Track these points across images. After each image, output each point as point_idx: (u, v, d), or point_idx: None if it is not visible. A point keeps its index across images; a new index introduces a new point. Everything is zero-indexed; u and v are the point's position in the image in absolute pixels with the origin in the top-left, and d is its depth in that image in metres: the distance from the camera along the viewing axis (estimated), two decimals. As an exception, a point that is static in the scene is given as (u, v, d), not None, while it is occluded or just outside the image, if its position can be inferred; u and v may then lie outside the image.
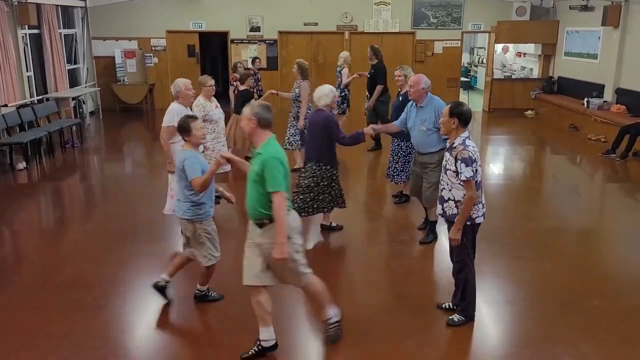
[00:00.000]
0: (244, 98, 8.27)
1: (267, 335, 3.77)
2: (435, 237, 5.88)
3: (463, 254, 4.14)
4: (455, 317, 4.27)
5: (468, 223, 4.03)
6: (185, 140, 4.32)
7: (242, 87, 8.43)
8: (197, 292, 4.61)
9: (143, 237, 5.93)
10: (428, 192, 5.54)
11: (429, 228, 5.93)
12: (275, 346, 3.80)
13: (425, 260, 5.65)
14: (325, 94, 5.61)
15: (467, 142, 3.99)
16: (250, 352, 3.77)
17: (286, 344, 3.97)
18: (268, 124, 3.63)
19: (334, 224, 6.15)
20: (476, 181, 3.95)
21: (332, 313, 3.93)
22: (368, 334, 4.15)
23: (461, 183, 3.95)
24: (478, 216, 4.07)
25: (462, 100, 15.55)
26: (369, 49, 9.79)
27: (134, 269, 5.29)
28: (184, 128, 4.25)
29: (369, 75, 9.65)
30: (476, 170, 3.94)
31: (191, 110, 5.95)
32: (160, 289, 4.54)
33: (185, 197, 4.27)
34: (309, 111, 7.93)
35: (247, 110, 3.65)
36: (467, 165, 3.89)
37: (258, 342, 3.78)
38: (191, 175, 4.14)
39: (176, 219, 4.43)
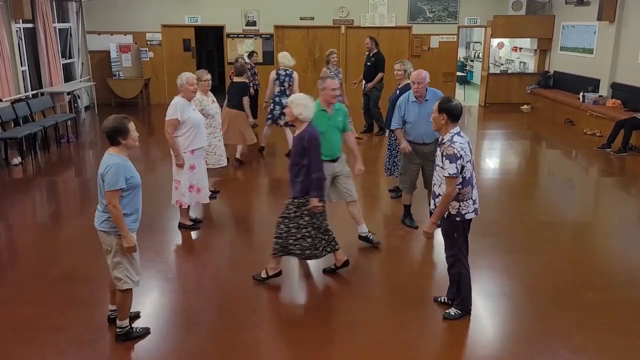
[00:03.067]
0: (241, 91, 8.29)
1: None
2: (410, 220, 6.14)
3: (455, 250, 4.14)
4: (452, 310, 4.28)
5: (458, 219, 4.03)
6: (120, 144, 3.71)
7: (238, 79, 8.44)
8: (118, 330, 3.95)
9: (139, 231, 5.91)
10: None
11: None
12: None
13: (422, 255, 5.67)
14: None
15: (456, 138, 3.97)
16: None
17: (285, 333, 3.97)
18: None
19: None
20: (464, 177, 3.94)
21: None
22: (364, 326, 4.17)
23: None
24: (468, 212, 4.04)
25: (459, 94, 15.59)
26: (369, 40, 10.05)
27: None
28: (119, 130, 3.66)
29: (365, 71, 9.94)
30: (463, 166, 3.91)
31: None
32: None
33: (104, 206, 3.71)
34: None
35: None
36: (451, 162, 3.88)
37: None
38: (111, 185, 3.59)
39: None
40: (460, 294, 4.26)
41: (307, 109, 4.44)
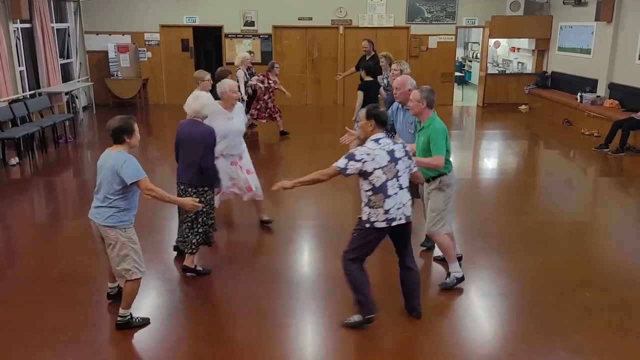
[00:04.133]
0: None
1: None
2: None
3: (352, 247, 4.02)
4: (354, 317, 4.11)
5: (367, 225, 3.93)
6: (124, 142, 3.90)
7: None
8: (119, 319, 4.10)
9: (138, 231, 5.91)
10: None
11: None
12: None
13: (418, 255, 5.66)
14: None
15: (369, 142, 3.91)
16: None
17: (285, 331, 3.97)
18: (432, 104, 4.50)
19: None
20: (374, 185, 3.85)
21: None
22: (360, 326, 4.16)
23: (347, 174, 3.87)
24: (378, 221, 3.90)
25: (457, 95, 15.61)
26: (367, 43, 10.03)
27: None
28: (125, 129, 3.86)
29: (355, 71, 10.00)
30: (365, 172, 3.84)
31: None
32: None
33: (109, 201, 3.88)
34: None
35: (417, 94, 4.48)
36: (345, 158, 3.86)
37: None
38: (139, 175, 3.84)
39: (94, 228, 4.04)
40: (354, 295, 4.08)
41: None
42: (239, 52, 10.73)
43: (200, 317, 4.32)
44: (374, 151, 3.86)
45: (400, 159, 3.94)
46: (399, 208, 3.93)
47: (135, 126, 3.94)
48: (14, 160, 8.83)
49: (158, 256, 5.40)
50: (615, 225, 6.49)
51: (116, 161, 3.83)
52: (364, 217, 3.95)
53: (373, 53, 9.93)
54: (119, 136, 3.88)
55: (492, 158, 9.89)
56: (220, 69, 8.26)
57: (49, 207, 7.46)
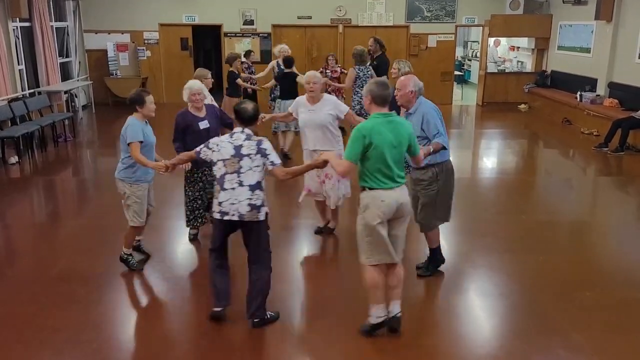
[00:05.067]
0: (232, 79, 9.50)
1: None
2: (437, 267, 4.99)
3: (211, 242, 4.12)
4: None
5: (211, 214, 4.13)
6: (137, 111, 4.68)
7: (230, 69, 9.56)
8: (122, 254, 4.97)
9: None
10: (420, 215, 4.74)
11: (428, 257, 5.02)
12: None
13: (419, 256, 5.66)
14: None
15: (226, 136, 4.02)
16: None
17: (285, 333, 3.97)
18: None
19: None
20: (216, 176, 3.95)
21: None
22: (354, 327, 4.16)
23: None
24: (215, 211, 3.97)
25: (456, 93, 15.60)
26: (372, 41, 9.39)
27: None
28: (136, 99, 4.66)
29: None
30: (217, 166, 3.92)
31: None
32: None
33: (122, 158, 4.75)
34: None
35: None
36: (203, 145, 4.05)
37: None
38: (131, 138, 4.56)
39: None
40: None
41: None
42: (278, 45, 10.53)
43: (200, 315, 4.31)
44: (222, 143, 3.93)
45: (247, 155, 3.87)
46: (232, 203, 3.87)
47: (148, 98, 4.67)
48: (14, 159, 8.82)
49: (156, 254, 5.38)
50: (614, 225, 6.49)
51: (125, 124, 4.66)
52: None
53: (380, 52, 9.43)
54: (133, 105, 4.69)
55: (492, 157, 9.89)
56: (230, 54, 9.28)
57: (49, 206, 7.46)
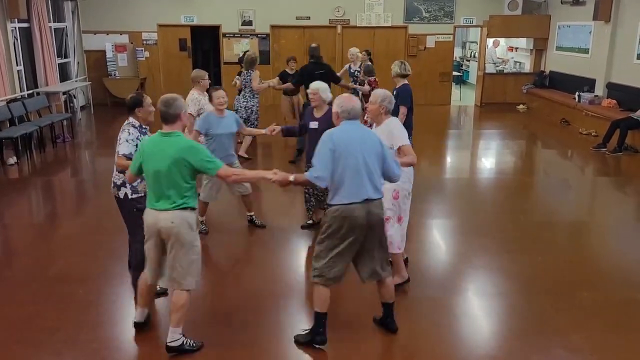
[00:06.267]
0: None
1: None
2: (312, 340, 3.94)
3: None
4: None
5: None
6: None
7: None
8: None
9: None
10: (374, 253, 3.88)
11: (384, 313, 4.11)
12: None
13: (417, 255, 5.66)
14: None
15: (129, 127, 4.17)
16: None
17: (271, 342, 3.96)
18: None
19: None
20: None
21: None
22: (357, 327, 4.16)
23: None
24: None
25: (455, 94, 15.61)
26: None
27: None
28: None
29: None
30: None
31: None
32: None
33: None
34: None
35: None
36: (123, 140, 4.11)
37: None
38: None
39: None
40: None
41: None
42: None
43: (196, 316, 4.31)
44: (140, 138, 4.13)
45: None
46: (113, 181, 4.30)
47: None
48: (12, 159, 8.81)
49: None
50: (613, 225, 6.50)
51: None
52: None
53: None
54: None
55: (490, 158, 9.90)
56: (314, 46, 8.68)
57: (47, 206, 7.45)
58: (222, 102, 5.59)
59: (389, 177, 3.82)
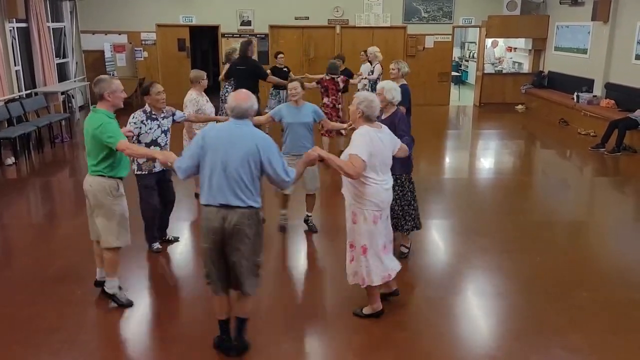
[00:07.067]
0: None
1: None
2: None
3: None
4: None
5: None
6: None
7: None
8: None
9: (134, 231, 5.89)
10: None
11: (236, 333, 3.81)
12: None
13: (416, 255, 5.66)
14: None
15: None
16: None
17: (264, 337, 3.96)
18: None
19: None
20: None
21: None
22: (360, 326, 4.16)
23: None
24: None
25: (454, 94, 15.62)
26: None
27: (125, 262, 5.26)
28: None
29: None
30: None
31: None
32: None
33: None
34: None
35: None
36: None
37: None
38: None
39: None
40: None
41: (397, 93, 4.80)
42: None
43: (194, 317, 4.31)
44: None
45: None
46: None
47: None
48: (10, 160, 8.80)
49: (153, 254, 5.37)
50: (611, 225, 6.50)
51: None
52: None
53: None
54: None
55: (489, 158, 9.90)
56: (243, 41, 8.89)
57: (45, 206, 7.44)
58: (294, 93, 5.63)
59: (277, 184, 3.59)
